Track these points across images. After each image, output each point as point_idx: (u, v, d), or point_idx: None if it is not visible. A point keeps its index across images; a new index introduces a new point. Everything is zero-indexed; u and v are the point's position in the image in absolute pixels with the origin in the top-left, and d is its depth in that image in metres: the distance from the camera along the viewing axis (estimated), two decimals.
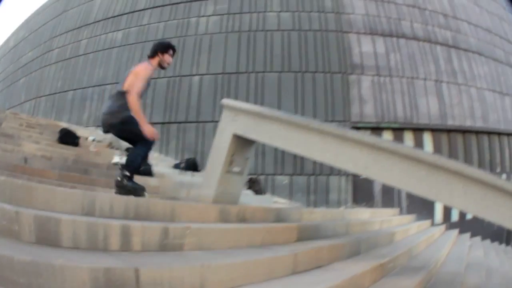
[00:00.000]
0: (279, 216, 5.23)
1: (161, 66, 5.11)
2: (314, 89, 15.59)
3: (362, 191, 14.08)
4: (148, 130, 4.77)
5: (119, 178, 4.74)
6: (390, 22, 17.34)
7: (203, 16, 18.04)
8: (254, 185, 9.83)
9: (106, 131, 5.13)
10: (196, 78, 16.93)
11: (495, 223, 3.83)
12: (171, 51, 5.10)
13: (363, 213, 8.78)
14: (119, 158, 8.66)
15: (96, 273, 2.20)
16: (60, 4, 23.44)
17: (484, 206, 3.76)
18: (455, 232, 11.05)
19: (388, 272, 4.33)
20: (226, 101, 5.29)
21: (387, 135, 15.22)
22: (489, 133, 17.04)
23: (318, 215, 6.60)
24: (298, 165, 14.51)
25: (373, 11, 17.35)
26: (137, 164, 4.95)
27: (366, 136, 4.43)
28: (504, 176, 16.31)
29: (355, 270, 3.69)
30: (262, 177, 11.10)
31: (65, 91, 19.73)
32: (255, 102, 14.85)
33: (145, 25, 18.81)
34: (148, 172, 7.42)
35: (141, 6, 19.34)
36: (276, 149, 12.49)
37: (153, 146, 5.05)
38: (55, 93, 20.16)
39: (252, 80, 16.27)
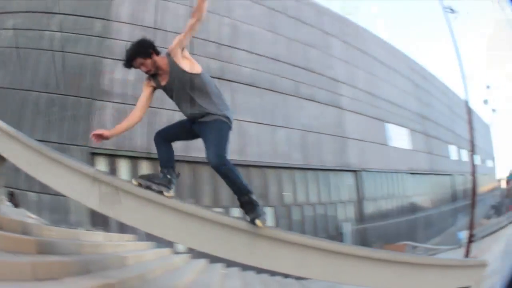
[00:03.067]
0: (25, 229, 5.37)
1: None
2: (63, 113, 15.17)
3: (99, 215, 14.06)
4: None
5: None
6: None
7: None
8: (13, 199, 10.12)
9: None
10: None
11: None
12: None
13: (96, 236, 8.94)
14: None
15: None
16: None
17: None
18: (203, 261, 10.81)
19: None
20: None
21: (124, 163, 15.55)
22: None
23: (56, 233, 6.70)
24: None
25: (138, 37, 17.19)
26: None
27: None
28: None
29: (84, 286, 4.06)
30: (17, 192, 11.05)
31: None
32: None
33: None
34: None
35: None
36: None
37: None
38: None
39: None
